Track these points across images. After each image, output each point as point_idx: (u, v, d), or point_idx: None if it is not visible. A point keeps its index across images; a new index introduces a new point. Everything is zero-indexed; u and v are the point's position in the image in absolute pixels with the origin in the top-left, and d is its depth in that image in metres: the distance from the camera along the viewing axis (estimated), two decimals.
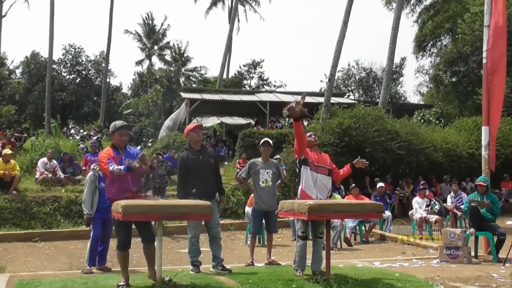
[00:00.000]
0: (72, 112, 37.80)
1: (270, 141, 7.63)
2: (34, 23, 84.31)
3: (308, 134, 6.44)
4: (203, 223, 6.54)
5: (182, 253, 9.16)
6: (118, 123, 5.81)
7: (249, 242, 10.48)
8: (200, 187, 6.35)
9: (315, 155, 6.26)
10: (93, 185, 7.09)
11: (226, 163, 19.39)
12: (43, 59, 37.22)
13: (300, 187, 6.19)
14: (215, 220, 6.51)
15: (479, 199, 8.56)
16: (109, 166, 5.40)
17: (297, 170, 6.31)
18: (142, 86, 44.52)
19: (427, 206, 12.21)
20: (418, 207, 12.21)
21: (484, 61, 8.98)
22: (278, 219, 10.71)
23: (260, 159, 7.56)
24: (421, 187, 12.91)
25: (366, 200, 10.75)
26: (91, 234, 7.15)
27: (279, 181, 7.83)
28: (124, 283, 5.61)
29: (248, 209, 10.69)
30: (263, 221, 7.65)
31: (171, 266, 7.65)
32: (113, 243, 10.40)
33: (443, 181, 16.44)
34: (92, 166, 7.44)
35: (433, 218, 11.85)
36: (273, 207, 7.33)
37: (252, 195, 9.26)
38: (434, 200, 13.14)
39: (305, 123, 23.77)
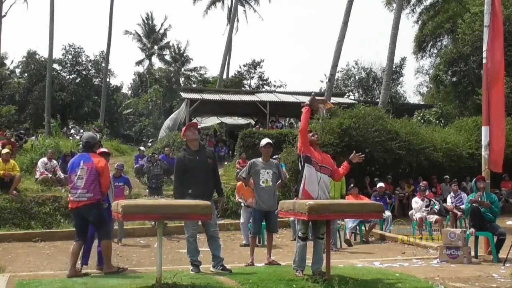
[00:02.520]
0: (72, 112, 37.77)
1: (271, 142, 7.66)
2: (34, 23, 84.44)
3: (311, 133, 6.47)
4: (200, 222, 6.53)
5: (182, 253, 9.15)
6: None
7: (244, 242, 10.49)
8: (196, 188, 6.34)
9: (319, 155, 6.27)
10: None
11: (226, 163, 19.39)
12: (43, 59, 37.19)
13: (302, 186, 6.20)
14: (213, 220, 6.49)
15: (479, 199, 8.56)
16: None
17: (300, 167, 6.30)
18: (142, 86, 44.53)
19: (426, 206, 12.19)
20: (418, 207, 12.20)
21: (484, 61, 8.99)
22: (278, 219, 10.76)
23: (260, 159, 7.56)
24: (421, 187, 12.89)
25: (366, 200, 10.75)
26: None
27: (280, 181, 7.84)
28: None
29: (243, 209, 10.71)
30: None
31: (171, 266, 7.66)
32: (112, 242, 10.44)
33: (443, 181, 16.42)
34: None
35: (433, 218, 11.85)
36: (273, 207, 7.34)
37: (239, 183, 9.21)
38: (434, 200, 13.13)
39: None
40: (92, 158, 6.55)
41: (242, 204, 10.87)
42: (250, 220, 10.10)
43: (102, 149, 7.43)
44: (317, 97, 6.58)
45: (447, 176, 16.24)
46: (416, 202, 12.35)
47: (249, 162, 7.75)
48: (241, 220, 10.78)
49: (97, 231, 6.52)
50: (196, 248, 6.54)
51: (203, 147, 6.96)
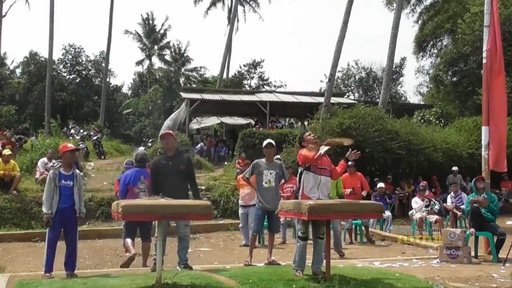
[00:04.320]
0: (72, 112, 37.72)
1: (273, 142, 7.69)
2: (34, 23, 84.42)
3: (307, 133, 6.49)
4: (173, 224, 6.95)
5: None
6: None
7: (244, 242, 10.39)
8: (167, 192, 6.35)
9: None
10: (53, 184, 6.59)
11: (226, 163, 19.40)
12: (43, 59, 37.18)
13: (301, 191, 6.23)
14: (183, 222, 6.81)
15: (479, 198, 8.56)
16: None
17: (299, 172, 6.32)
18: (142, 86, 44.49)
19: (426, 206, 12.18)
20: (418, 207, 12.19)
21: (484, 61, 9.00)
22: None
23: (263, 160, 7.65)
24: (421, 188, 12.85)
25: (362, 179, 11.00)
26: (47, 238, 6.71)
27: (283, 181, 7.91)
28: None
29: (241, 209, 10.55)
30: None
31: (171, 266, 7.65)
32: (112, 242, 10.47)
33: (443, 182, 16.28)
34: (50, 164, 6.92)
35: (433, 218, 11.84)
36: (276, 207, 7.40)
37: (240, 176, 9.17)
38: (434, 200, 13.11)
39: (305, 123, 23.83)
40: (149, 174, 7.29)
41: (240, 205, 10.74)
42: (249, 221, 10.08)
43: (69, 144, 7.10)
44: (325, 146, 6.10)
45: (456, 168, 15.99)
46: (416, 202, 12.33)
47: (252, 162, 7.82)
48: (240, 224, 10.71)
49: (147, 233, 7.60)
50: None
51: (179, 153, 7.22)
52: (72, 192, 6.65)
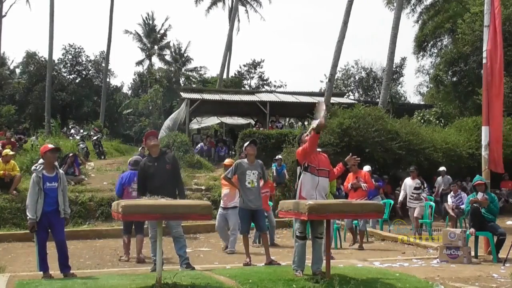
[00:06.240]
0: (72, 112, 37.75)
1: (254, 140, 7.87)
2: (34, 23, 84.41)
3: (305, 134, 6.49)
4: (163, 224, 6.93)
5: None
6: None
7: (228, 248, 10.06)
8: (155, 192, 6.36)
9: (315, 159, 6.25)
10: (37, 187, 6.37)
11: None
12: (43, 59, 37.19)
13: (298, 192, 6.22)
14: (175, 222, 6.89)
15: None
16: None
17: (299, 173, 6.32)
18: (142, 86, 44.50)
19: (416, 188, 12.03)
20: (407, 189, 12.08)
21: (484, 61, 9.01)
22: (277, 219, 10.69)
23: (246, 160, 7.79)
24: (411, 169, 12.56)
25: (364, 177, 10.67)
26: (36, 240, 6.64)
27: (262, 182, 8.03)
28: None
29: (220, 210, 9.93)
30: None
31: (171, 266, 7.66)
32: (112, 242, 10.46)
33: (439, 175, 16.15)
34: (33, 167, 6.64)
35: (416, 205, 11.75)
36: (259, 206, 7.71)
37: (222, 176, 8.92)
38: (426, 185, 12.97)
39: (305, 123, 23.82)
40: None
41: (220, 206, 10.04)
42: (230, 225, 9.61)
43: (49, 145, 6.97)
44: (319, 121, 5.99)
45: (444, 168, 15.72)
46: (406, 183, 12.24)
47: (234, 162, 7.87)
48: (216, 225, 9.98)
49: (140, 227, 8.65)
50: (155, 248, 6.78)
51: (164, 153, 7.28)
52: (57, 193, 6.48)
